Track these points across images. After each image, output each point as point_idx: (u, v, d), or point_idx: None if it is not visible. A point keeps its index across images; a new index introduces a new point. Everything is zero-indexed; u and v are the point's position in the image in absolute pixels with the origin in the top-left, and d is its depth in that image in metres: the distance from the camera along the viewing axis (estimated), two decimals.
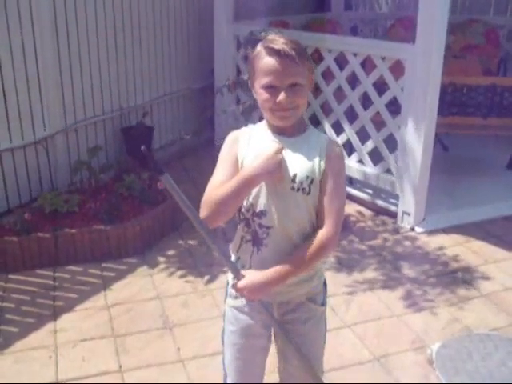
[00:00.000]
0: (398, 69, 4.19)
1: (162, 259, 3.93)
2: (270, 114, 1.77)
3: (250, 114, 4.72)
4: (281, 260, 1.78)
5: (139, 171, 4.56)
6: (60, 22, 4.38)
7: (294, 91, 1.72)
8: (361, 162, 4.60)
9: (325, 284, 1.99)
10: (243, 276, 1.80)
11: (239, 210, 1.84)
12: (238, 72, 5.54)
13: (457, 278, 3.70)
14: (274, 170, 1.73)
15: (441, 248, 4.06)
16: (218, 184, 1.78)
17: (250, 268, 1.84)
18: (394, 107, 4.35)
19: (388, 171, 4.43)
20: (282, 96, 1.71)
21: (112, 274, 3.75)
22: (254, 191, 1.79)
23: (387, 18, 7.61)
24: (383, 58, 4.23)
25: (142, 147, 1.61)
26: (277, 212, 1.78)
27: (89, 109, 4.80)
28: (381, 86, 4.38)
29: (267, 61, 1.72)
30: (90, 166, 4.51)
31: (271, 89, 1.72)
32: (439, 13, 3.77)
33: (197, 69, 6.00)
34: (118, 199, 4.18)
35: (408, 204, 4.28)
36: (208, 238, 1.76)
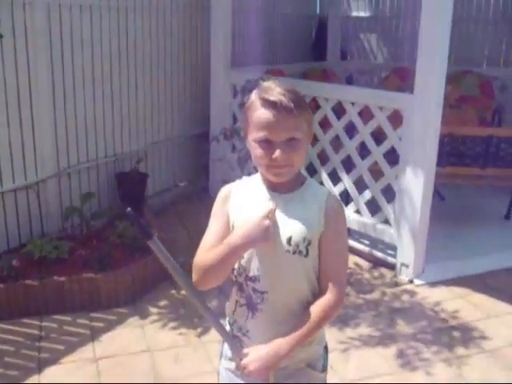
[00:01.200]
0: (396, 118, 4.16)
1: (153, 310, 3.80)
2: (265, 170, 1.66)
3: (245, 162, 4.67)
4: (278, 327, 1.66)
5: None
6: (56, 66, 4.35)
7: (291, 146, 1.60)
8: (358, 212, 4.52)
9: (326, 348, 1.85)
10: (245, 355, 1.68)
11: (232, 273, 1.74)
12: (234, 120, 5.51)
13: (458, 333, 3.59)
14: (261, 238, 1.60)
15: (441, 302, 3.95)
16: (208, 246, 1.70)
17: (248, 332, 1.73)
18: (392, 157, 4.31)
19: (386, 222, 4.35)
20: (277, 153, 1.58)
21: (101, 325, 3.62)
22: (246, 255, 1.67)
23: (382, 68, 7.67)
24: (381, 108, 4.20)
25: (128, 209, 1.52)
26: (271, 277, 1.67)
27: (82, 154, 4.73)
28: (378, 136, 4.34)
29: (262, 113, 1.59)
30: (82, 212, 4.41)
31: (266, 143, 1.60)
32: (438, 62, 3.76)
33: (192, 115, 5.97)
34: (110, 247, 4.08)
35: (406, 256, 4.19)
36: (204, 311, 1.68)
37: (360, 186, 4.52)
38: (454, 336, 3.55)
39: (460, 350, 3.40)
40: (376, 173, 4.37)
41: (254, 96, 1.65)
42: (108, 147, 4.99)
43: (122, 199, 4.95)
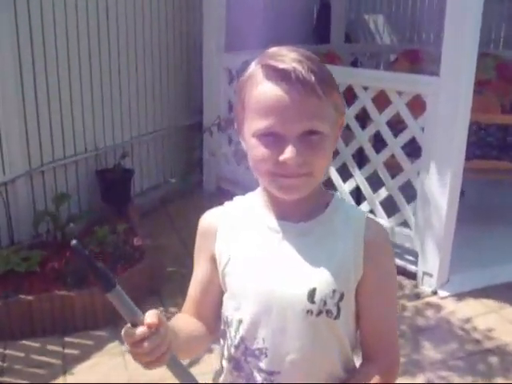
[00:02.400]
0: (416, 105, 3.61)
1: None
2: (268, 181, 1.10)
3: (243, 157, 4.11)
4: None
5: (114, 222, 3.92)
6: (24, 48, 3.76)
7: (311, 144, 1.05)
8: (372, 212, 3.95)
9: None
10: None
11: (223, 342, 1.21)
12: (230, 108, 4.94)
13: (495, 358, 3.05)
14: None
15: (471, 318, 3.40)
16: (192, 298, 1.25)
17: None
18: (410, 149, 3.77)
19: (405, 224, 3.79)
20: (288, 152, 1.02)
21: (75, 352, 3.07)
22: (247, 318, 1.13)
23: (390, 51, 7.13)
24: (400, 93, 3.64)
25: (73, 241, 0.97)
26: (285, 350, 1.12)
27: (58, 149, 4.15)
28: (396, 125, 3.79)
29: (266, 90, 1.05)
30: (56, 216, 3.84)
31: (271, 139, 1.04)
32: (469, 39, 3.20)
33: (184, 104, 5.38)
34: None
35: (430, 263, 3.64)
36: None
37: (374, 183, 3.97)
38: (491, 363, 3.01)
39: (500, 382, 2.86)
40: (393, 168, 3.82)
41: (254, 66, 1.09)
42: (88, 141, 4.41)
43: (105, 200, 4.39)
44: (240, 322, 1.15)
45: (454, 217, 3.55)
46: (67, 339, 3.17)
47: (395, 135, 3.73)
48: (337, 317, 1.11)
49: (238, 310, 1.16)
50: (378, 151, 3.86)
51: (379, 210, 3.90)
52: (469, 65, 3.26)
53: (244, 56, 4.27)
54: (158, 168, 5.18)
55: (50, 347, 3.11)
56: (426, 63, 6.11)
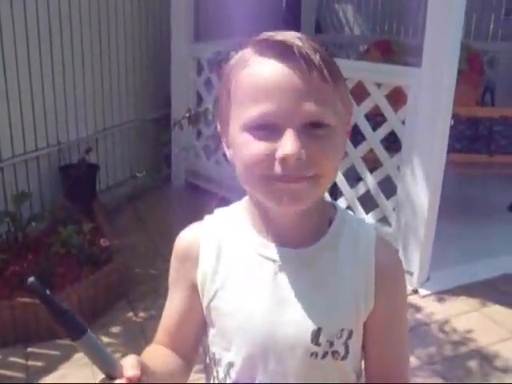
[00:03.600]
0: (396, 97, 3.48)
1: (105, 339, 3.04)
2: (264, 190, 0.88)
3: (214, 152, 3.96)
4: None
5: (79, 221, 3.71)
6: None
7: (317, 139, 0.84)
8: (349, 208, 3.83)
9: None
10: None
11: (208, 379, 1.05)
12: (200, 101, 4.75)
13: (475, 362, 2.94)
14: None
15: (452, 318, 3.29)
16: (166, 327, 1.06)
17: None
18: (388, 143, 3.64)
19: (384, 221, 3.68)
20: (289, 145, 0.81)
21: (40, 364, 2.87)
22: (240, 362, 0.96)
23: (360, 41, 7.02)
24: (379, 85, 3.51)
25: (30, 279, 0.80)
26: None
27: (18, 144, 3.90)
28: (374, 118, 3.66)
29: (260, 67, 0.86)
30: (17, 216, 3.61)
31: (266, 132, 0.84)
32: (452, 28, 3.08)
33: (151, 96, 5.16)
34: (50, 259, 3.31)
35: (410, 261, 3.52)
36: None
37: (352, 177, 3.84)
38: (471, 367, 2.89)
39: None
40: (371, 162, 3.69)
41: (245, 51, 0.91)
42: (50, 135, 4.17)
43: (69, 197, 4.16)
44: (231, 365, 0.98)
45: (435, 213, 3.45)
46: (31, 350, 2.97)
47: (374, 128, 3.60)
48: (344, 357, 0.95)
49: (227, 351, 0.99)
50: (355, 145, 3.72)
51: (357, 205, 3.77)
52: (451, 55, 3.13)
53: (213, 46, 4.12)
54: (124, 163, 4.96)
55: (12, 359, 2.90)
56: (397, 54, 6.02)
